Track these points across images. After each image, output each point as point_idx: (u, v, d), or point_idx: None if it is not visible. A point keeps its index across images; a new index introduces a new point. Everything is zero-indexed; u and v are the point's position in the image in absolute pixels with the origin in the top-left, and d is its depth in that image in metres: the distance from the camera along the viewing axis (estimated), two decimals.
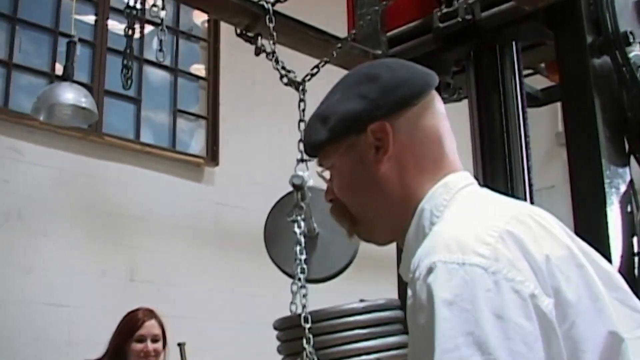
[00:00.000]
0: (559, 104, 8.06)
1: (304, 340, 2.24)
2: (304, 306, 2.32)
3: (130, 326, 4.36)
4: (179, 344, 3.72)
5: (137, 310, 4.46)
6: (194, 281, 6.64)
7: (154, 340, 4.35)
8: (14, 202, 5.86)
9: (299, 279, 2.38)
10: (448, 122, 1.59)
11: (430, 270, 1.25)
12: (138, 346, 4.31)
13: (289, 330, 2.40)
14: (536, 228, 1.35)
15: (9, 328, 5.66)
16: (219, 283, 6.79)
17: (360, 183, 1.55)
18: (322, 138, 1.56)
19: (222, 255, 6.84)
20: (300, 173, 2.52)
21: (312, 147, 1.60)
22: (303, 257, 2.40)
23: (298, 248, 2.41)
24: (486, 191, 1.54)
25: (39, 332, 5.77)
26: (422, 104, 1.54)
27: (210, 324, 6.46)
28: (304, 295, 2.36)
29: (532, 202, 3.27)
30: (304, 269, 2.39)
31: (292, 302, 2.47)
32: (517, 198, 3.25)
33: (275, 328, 2.51)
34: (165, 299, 6.12)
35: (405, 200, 1.51)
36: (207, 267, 6.76)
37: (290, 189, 2.74)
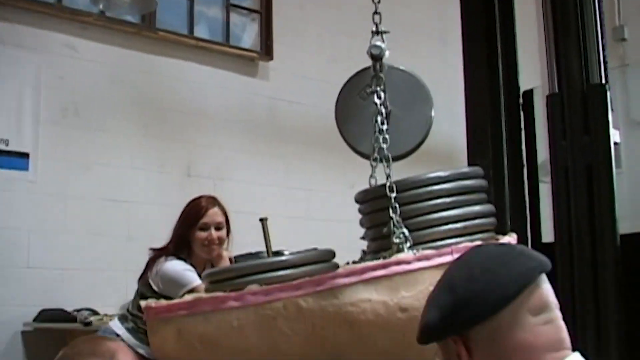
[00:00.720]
0: None
1: (390, 210, 2.20)
2: (388, 176, 2.27)
3: (193, 214, 4.29)
4: (261, 219, 3.67)
5: (200, 198, 4.39)
6: (249, 176, 6.70)
7: (218, 227, 4.28)
8: (70, 98, 5.89)
9: (381, 149, 2.33)
10: (552, 312, 1.52)
11: None
12: (202, 234, 4.25)
13: (373, 201, 2.36)
14: None
15: (68, 223, 5.74)
16: (273, 177, 6.84)
17: None
18: (417, 338, 1.57)
19: (276, 150, 6.86)
20: (378, 43, 2.46)
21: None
22: (385, 127, 2.34)
23: (379, 118, 2.35)
24: None
25: (99, 227, 5.86)
26: (500, 318, 1.46)
27: None
28: (388, 166, 2.31)
29: (606, 80, 3.20)
30: (386, 138, 2.33)
31: (371, 176, 2.42)
32: (591, 75, 3.20)
33: (357, 201, 2.47)
34: (221, 193, 6.10)
35: None
36: (261, 161, 6.80)
37: (357, 70, 2.68)
